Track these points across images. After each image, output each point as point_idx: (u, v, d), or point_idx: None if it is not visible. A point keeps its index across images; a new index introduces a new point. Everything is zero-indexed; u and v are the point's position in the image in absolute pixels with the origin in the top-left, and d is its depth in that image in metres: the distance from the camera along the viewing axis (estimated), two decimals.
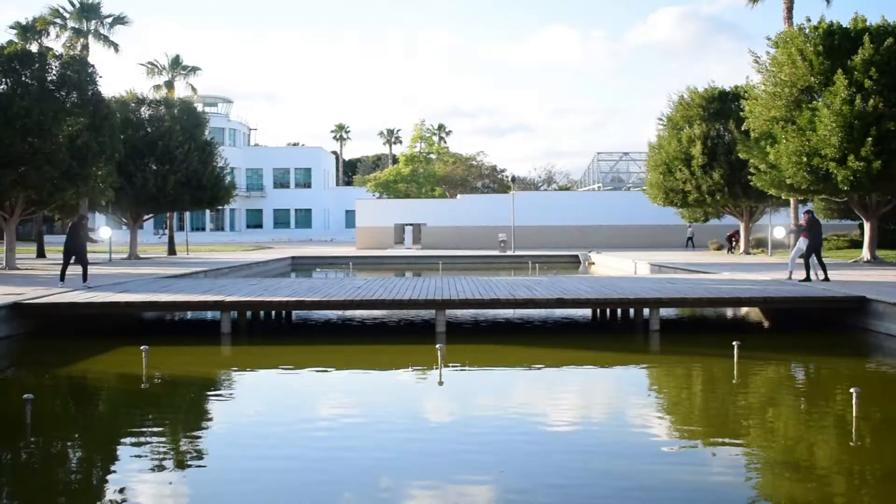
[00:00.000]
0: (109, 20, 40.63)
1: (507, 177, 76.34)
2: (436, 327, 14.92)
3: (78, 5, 39.57)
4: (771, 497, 6.54)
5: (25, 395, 8.68)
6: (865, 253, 27.73)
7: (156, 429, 8.86)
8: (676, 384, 11.34)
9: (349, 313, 17.92)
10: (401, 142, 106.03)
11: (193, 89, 50.62)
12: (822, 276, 18.53)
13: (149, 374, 11.42)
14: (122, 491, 6.62)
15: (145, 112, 35.97)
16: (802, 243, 19.51)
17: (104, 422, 9.43)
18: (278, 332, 16.40)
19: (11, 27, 38.20)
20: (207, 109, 67.59)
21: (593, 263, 37.49)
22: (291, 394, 10.80)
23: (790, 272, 19.76)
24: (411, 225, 52.74)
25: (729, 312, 18.64)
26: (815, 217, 19.29)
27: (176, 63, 49.04)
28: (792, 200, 33.25)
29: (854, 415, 8.56)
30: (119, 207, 34.61)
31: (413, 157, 77.87)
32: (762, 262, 29.60)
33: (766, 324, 17.05)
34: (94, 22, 40.07)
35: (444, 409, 9.65)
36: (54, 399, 10.39)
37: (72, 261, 19.21)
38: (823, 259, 19.28)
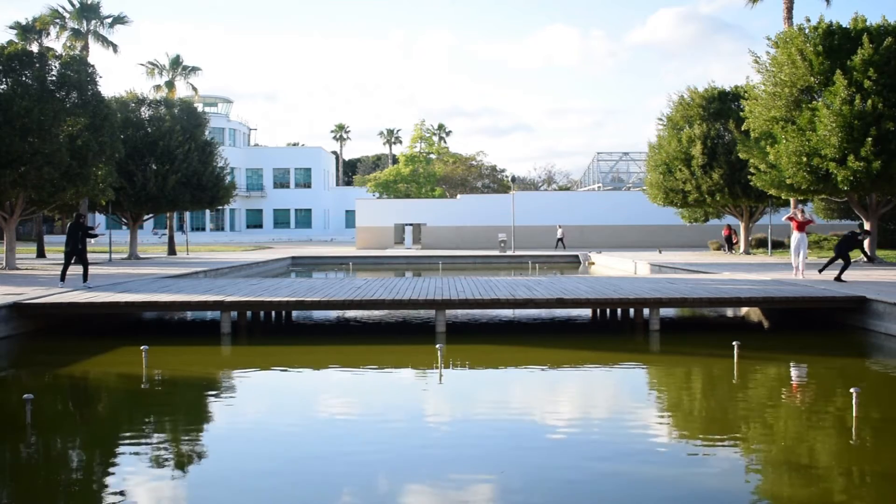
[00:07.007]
0: (109, 20, 40.62)
1: (507, 177, 76.39)
2: (436, 327, 14.92)
3: (78, 5, 39.56)
4: (771, 497, 6.54)
5: (25, 395, 8.68)
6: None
7: (156, 429, 8.86)
8: (676, 384, 11.34)
9: (349, 313, 17.93)
10: (401, 142, 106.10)
11: (194, 89, 50.59)
12: (829, 273, 18.70)
13: (149, 374, 11.42)
14: (121, 491, 6.62)
15: (145, 112, 36.02)
16: (801, 242, 19.57)
17: (104, 422, 9.43)
18: (278, 332, 16.39)
19: (11, 27, 38.25)
20: (207, 109, 67.64)
21: (593, 263, 37.48)
22: (291, 394, 10.80)
23: (801, 272, 19.90)
24: (411, 225, 52.76)
25: (729, 312, 18.64)
26: (852, 235, 19.22)
27: (176, 63, 49.00)
28: (792, 200, 33.25)
29: (854, 415, 8.56)
30: (119, 207, 34.62)
31: (413, 157, 77.87)
32: (762, 262, 29.60)
33: (766, 324, 17.04)
34: (93, 22, 40.06)
35: (444, 409, 9.65)
36: (54, 399, 10.38)
37: (73, 261, 19.21)
38: (832, 262, 19.60)
